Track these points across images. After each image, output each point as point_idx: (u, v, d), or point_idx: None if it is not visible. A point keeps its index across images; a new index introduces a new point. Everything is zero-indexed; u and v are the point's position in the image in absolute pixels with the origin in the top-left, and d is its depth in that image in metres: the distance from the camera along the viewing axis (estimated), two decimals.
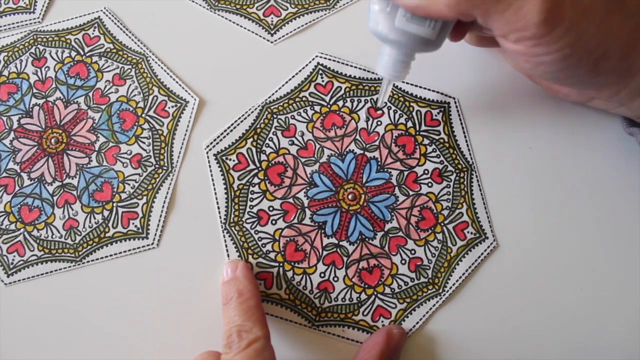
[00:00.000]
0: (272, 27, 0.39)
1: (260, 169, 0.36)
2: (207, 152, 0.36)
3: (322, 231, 0.35)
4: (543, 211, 0.36)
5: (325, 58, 0.38)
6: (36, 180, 0.36)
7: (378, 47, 0.32)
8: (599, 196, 0.36)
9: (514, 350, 0.34)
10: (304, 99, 0.37)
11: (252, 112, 0.37)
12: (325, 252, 0.35)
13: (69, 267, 0.35)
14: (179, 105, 0.37)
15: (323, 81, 0.38)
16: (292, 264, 0.35)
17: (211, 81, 0.38)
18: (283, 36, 0.39)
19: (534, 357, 0.34)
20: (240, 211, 0.35)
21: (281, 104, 0.37)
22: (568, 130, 0.37)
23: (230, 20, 0.39)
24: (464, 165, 0.36)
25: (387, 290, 0.34)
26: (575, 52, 0.27)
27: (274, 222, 0.35)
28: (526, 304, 0.34)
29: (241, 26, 0.39)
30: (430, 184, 0.36)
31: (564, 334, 0.34)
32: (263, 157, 0.36)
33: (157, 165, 0.36)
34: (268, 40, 0.39)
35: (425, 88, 0.38)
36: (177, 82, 0.38)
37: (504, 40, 0.28)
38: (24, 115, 0.38)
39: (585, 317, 0.34)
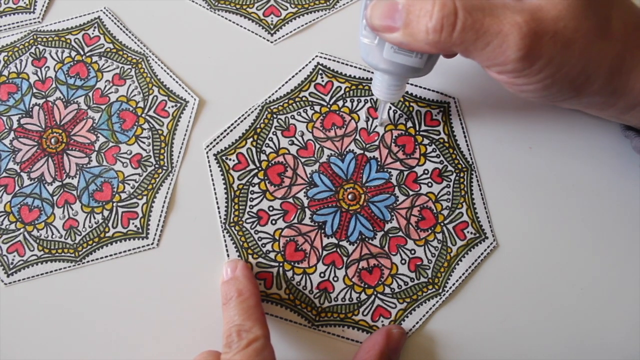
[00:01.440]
0: (272, 27, 0.39)
1: (260, 168, 0.36)
2: (207, 152, 0.36)
3: (322, 231, 0.35)
4: (543, 211, 0.36)
5: (325, 58, 0.38)
6: (36, 180, 0.37)
7: None
8: (598, 196, 0.36)
9: (514, 350, 0.34)
10: (303, 98, 0.37)
11: (252, 112, 0.37)
12: (325, 252, 0.35)
13: (69, 267, 0.35)
14: (179, 105, 0.37)
15: (323, 81, 0.38)
16: (292, 263, 0.35)
17: (211, 81, 0.38)
18: (283, 36, 0.39)
19: (534, 357, 0.34)
20: (240, 211, 0.35)
21: (281, 103, 0.37)
22: (568, 131, 0.37)
23: (230, 20, 0.39)
24: (463, 165, 0.36)
25: (387, 290, 0.34)
26: (556, 81, 0.27)
27: (273, 222, 0.35)
28: (526, 304, 0.34)
29: (241, 26, 0.39)
30: (430, 184, 0.36)
31: (564, 334, 0.34)
32: (263, 157, 0.36)
33: (157, 165, 0.36)
34: (268, 40, 0.39)
35: (425, 88, 0.38)
36: (177, 82, 0.38)
37: (487, 70, 0.29)
38: (24, 115, 0.38)
39: (585, 316, 0.34)
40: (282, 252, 0.35)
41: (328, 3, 0.40)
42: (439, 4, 0.26)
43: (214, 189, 0.36)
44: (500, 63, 0.27)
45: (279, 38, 0.39)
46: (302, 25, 0.39)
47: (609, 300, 0.34)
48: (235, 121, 0.37)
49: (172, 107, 0.37)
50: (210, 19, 0.40)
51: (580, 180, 0.36)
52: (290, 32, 0.39)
